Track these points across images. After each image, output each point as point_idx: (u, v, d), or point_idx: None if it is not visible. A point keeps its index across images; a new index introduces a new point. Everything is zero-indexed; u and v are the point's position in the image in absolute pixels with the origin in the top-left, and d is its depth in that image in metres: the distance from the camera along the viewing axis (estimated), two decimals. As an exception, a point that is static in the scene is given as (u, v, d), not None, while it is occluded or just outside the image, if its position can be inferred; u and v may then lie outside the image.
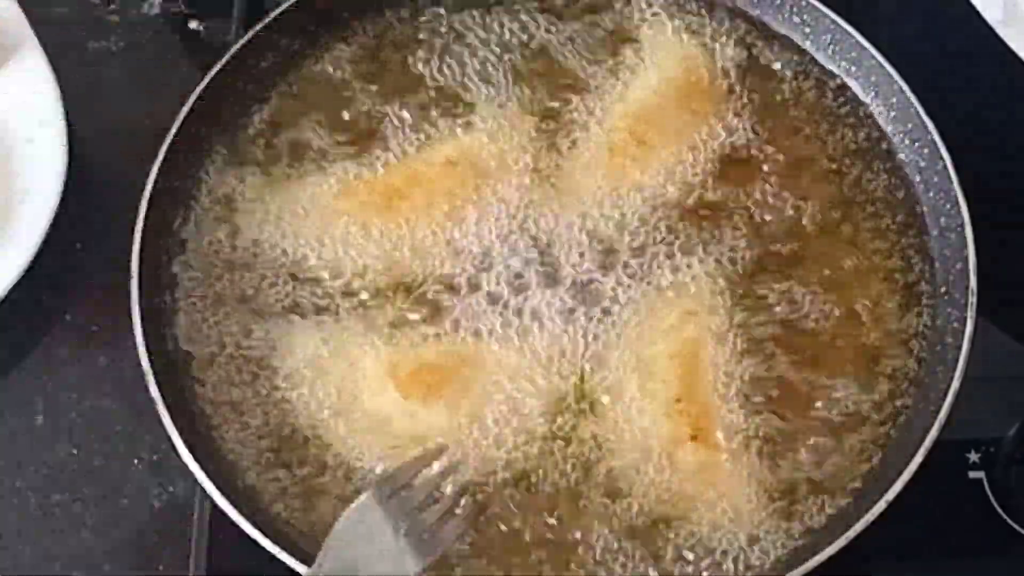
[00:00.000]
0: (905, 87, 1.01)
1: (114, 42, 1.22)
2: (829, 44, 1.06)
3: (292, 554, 0.85)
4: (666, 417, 0.91)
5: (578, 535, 0.89)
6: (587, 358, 0.94)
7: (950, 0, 1.10)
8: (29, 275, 1.03)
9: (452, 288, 0.97)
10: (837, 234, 1.00)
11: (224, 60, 1.02)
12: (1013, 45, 1.06)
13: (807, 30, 1.06)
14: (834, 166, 1.03)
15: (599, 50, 1.07)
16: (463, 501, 0.88)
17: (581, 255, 0.98)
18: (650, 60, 1.06)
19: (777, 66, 1.06)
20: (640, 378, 0.93)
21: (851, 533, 0.85)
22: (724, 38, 1.07)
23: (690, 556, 0.89)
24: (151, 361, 0.91)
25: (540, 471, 0.91)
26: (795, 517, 0.90)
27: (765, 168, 1.02)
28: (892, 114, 1.03)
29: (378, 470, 0.91)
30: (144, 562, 0.99)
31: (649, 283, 0.97)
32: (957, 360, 0.91)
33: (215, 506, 0.88)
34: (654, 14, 1.08)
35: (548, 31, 1.07)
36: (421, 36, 1.08)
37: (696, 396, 0.92)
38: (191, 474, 0.88)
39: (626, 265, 0.98)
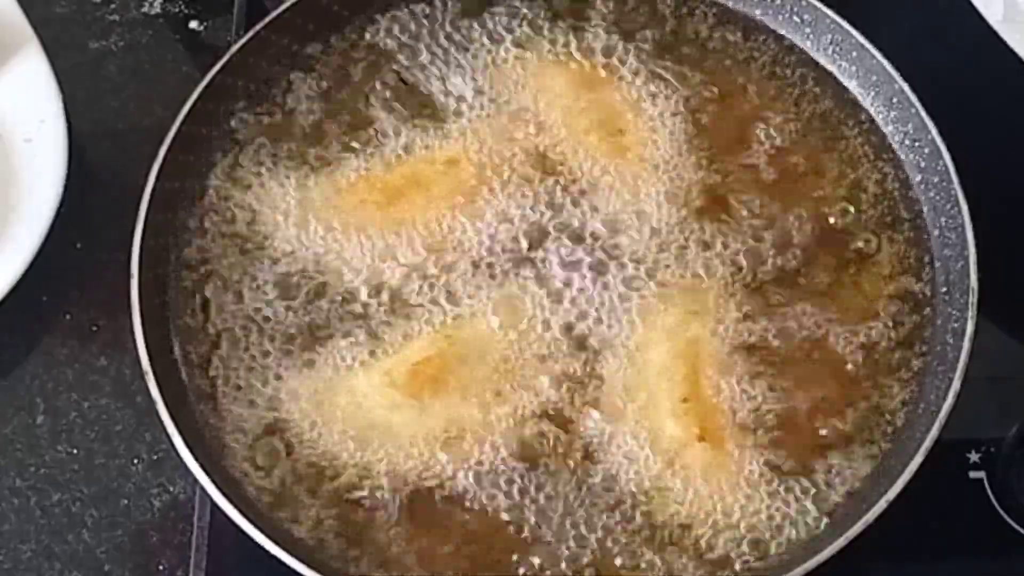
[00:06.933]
0: (905, 87, 1.01)
1: (114, 42, 1.22)
2: (829, 44, 1.06)
3: (292, 554, 0.85)
4: (673, 417, 0.91)
5: (582, 531, 0.90)
6: (590, 356, 0.94)
7: (950, 0, 1.10)
8: (29, 275, 1.03)
9: (448, 285, 0.97)
10: (838, 234, 1.00)
11: (224, 60, 1.02)
12: (1013, 45, 1.06)
13: (807, 30, 1.06)
14: (835, 166, 1.03)
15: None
16: None
17: (585, 253, 0.98)
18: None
19: (777, 67, 1.07)
20: (645, 377, 0.93)
21: (851, 533, 0.85)
22: (724, 37, 1.08)
23: (693, 555, 0.89)
24: (151, 361, 0.91)
25: (543, 467, 0.91)
26: (797, 516, 0.90)
27: (766, 168, 1.02)
28: (892, 114, 1.03)
29: (391, 474, 0.91)
30: (144, 562, 0.99)
31: (653, 282, 0.97)
32: (957, 360, 0.90)
33: (215, 506, 0.88)
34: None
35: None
36: (422, 35, 1.08)
37: (703, 396, 0.92)
38: (191, 474, 0.88)
39: (630, 264, 0.97)
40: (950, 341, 0.94)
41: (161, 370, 0.91)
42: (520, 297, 0.96)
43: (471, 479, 0.91)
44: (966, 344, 0.91)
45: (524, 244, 0.98)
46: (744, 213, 1.00)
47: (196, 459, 0.88)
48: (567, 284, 0.97)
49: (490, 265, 0.98)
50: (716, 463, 0.90)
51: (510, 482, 0.91)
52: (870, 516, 0.85)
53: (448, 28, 1.08)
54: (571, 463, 0.91)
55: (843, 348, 0.95)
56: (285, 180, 1.01)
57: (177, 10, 1.23)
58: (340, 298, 0.97)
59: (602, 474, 0.91)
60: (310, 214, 1.00)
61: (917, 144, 1.01)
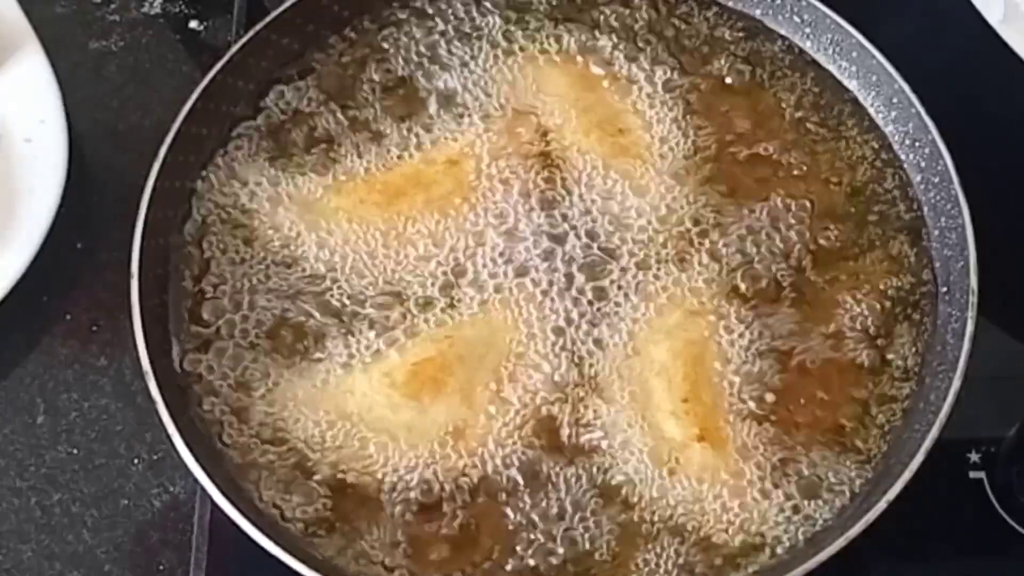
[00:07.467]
0: (905, 87, 1.01)
1: (114, 42, 1.22)
2: (829, 44, 1.06)
3: (292, 554, 0.85)
4: (673, 417, 0.91)
5: (582, 531, 0.90)
6: (590, 356, 0.94)
7: (950, 0, 1.10)
8: (29, 275, 1.03)
9: (448, 285, 0.97)
10: (838, 234, 1.00)
11: (224, 60, 1.02)
12: (1013, 45, 1.06)
13: (807, 30, 1.07)
14: (835, 167, 1.03)
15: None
16: None
17: (584, 253, 0.98)
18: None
19: (778, 67, 1.07)
20: (645, 377, 0.93)
21: (851, 533, 0.85)
22: (724, 37, 1.08)
23: (692, 555, 0.89)
24: (151, 361, 0.91)
25: (543, 468, 0.91)
26: (797, 517, 0.90)
27: (766, 169, 1.02)
28: (892, 114, 1.03)
29: (391, 474, 0.91)
30: (144, 562, 0.99)
31: (653, 282, 0.97)
32: (957, 360, 0.90)
33: (215, 506, 0.88)
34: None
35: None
36: (422, 36, 1.08)
37: (703, 396, 0.92)
38: (191, 474, 0.88)
39: (630, 264, 0.97)
40: (950, 341, 0.94)
41: (161, 370, 0.91)
42: (520, 297, 0.96)
43: (471, 479, 0.91)
44: (966, 344, 0.91)
45: (524, 244, 0.98)
46: (744, 213, 1.00)
47: (196, 459, 0.88)
48: (567, 284, 0.97)
49: (490, 265, 0.98)
50: (716, 463, 0.90)
51: (510, 482, 0.91)
52: (870, 516, 0.85)
53: (448, 29, 1.08)
54: (571, 463, 0.91)
55: (843, 348, 0.95)
56: (285, 181, 1.01)
57: (177, 10, 1.23)
58: (339, 298, 0.97)
59: (602, 474, 0.91)
60: (309, 215, 1.00)
61: (917, 144, 1.01)
